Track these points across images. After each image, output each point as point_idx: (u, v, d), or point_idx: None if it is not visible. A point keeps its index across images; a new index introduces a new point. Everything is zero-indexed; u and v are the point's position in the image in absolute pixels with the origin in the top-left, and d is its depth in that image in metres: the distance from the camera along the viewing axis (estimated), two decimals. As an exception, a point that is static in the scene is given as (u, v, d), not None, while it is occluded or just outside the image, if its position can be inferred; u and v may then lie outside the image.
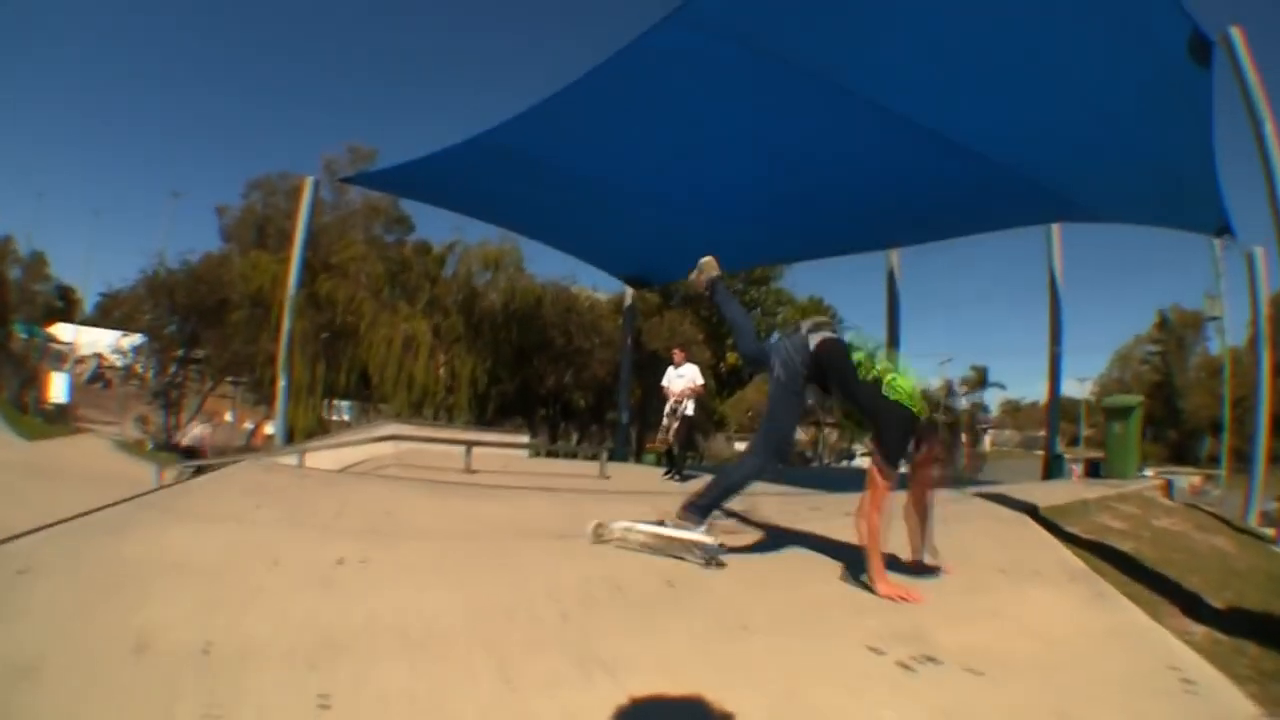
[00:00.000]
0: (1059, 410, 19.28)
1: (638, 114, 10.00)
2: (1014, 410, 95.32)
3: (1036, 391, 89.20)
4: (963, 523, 5.83)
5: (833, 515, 6.35)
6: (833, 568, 4.52)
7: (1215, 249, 20.92)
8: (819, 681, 2.85)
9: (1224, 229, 10.19)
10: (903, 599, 3.82)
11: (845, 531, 5.23)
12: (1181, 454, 57.69)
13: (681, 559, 4.40)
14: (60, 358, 49.55)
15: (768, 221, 13.09)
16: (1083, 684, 2.97)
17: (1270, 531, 8.19)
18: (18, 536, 4.49)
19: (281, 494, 6.65)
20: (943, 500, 6.95)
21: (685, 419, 12.29)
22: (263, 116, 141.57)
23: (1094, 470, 15.24)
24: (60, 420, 34.53)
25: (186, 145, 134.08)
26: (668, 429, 12.47)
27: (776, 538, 5.48)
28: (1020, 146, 9.44)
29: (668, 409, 12.45)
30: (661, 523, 4.79)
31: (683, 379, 12.37)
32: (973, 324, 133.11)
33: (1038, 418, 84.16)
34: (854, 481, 13.42)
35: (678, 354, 13.04)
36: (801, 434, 49.05)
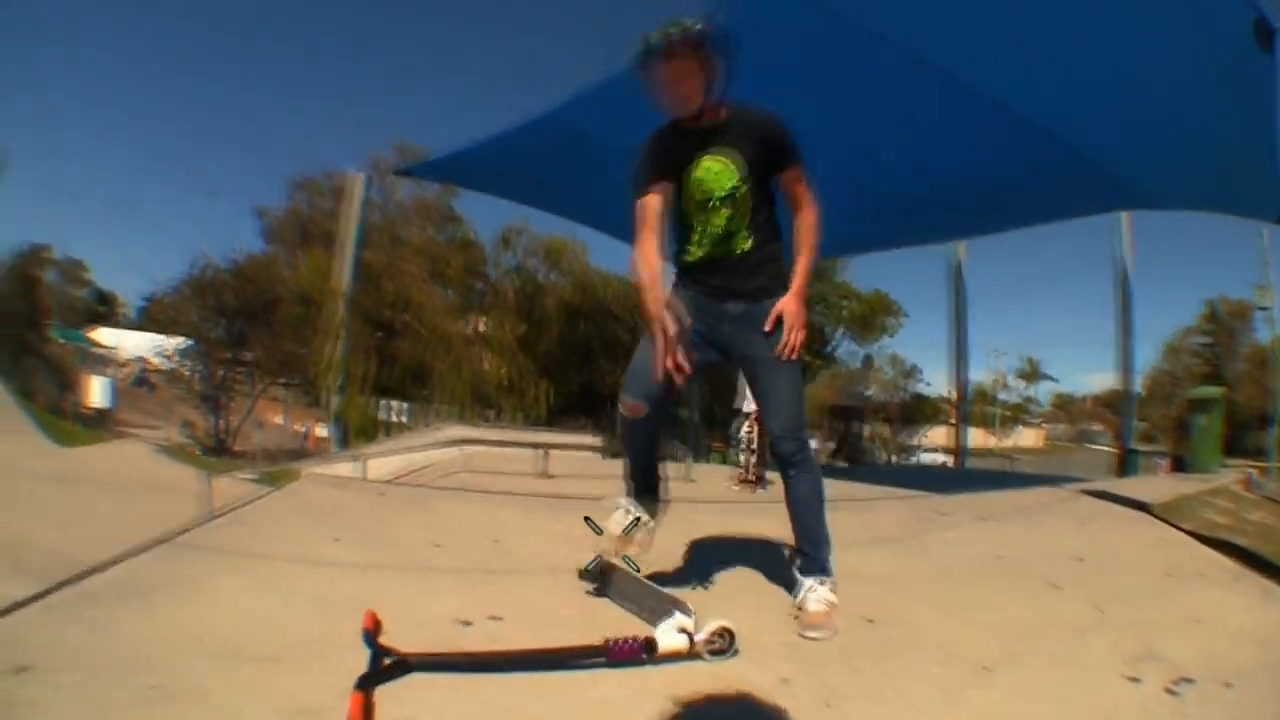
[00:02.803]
0: (1132, 404, 19.02)
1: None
2: (1066, 403, 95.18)
3: (1087, 385, 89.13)
4: (1092, 522, 5.61)
5: (965, 520, 6.02)
6: (1013, 583, 4.13)
7: (1263, 239, 20.72)
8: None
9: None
10: None
11: (990, 538, 5.21)
12: (1231, 446, 57.28)
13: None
14: (102, 362, 50.03)
15: (834, 210, 12.62)
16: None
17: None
18: (20, 606, 3.43)
19: (359, 519, 5.96)
20: (1052, 498, 6.59)
21: (755, 417, 11.78)
22: (299, 118, 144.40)
23: (1179, 465, 15.03)
24: (101, 426, 34.54)
25: (218, 148, 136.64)
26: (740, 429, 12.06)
27: (928, 552, 5.04)
28: (1087, 128, 9.15)
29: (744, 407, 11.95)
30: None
31: None
32: (1025, 315, 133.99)
33: (1089, 411, 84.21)
34: (943, 480, 13.05)
35: None
36: (867, 430, 49.03)
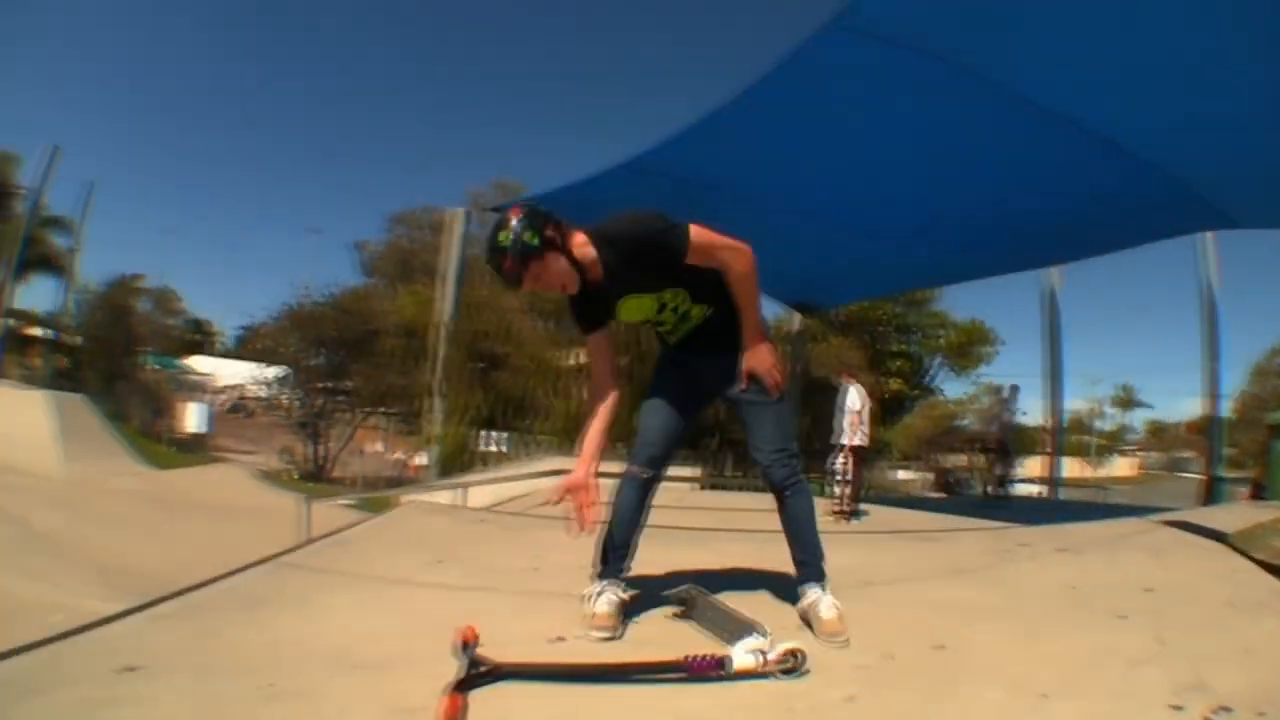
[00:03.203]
0: (1220, 430, 18.65)
1: (796, 130, 9.58)
2: (1159, 430, 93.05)
3: (1181, 411, 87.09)
4: (1166, 553, 5.58)
5: (1044, 551, 6.03)
6: (1081, 613, 4.19)
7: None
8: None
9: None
10: None
11: (1066, 569, 5.29)
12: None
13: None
14: (197, 389, 50.92)
15: (928, 240, 12.66)
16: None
17: None
18: (124, 615, 3.81)
19: (459, 544, 6.21)
20: (1132, 529, 6.59)
21: (849, 449, 11.88)
22: (399, 152, 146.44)
23: (1259, 492, 14.76)
24: (196, 450, 35.24)
25: (316, 184, 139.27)
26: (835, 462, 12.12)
27: (1004, 582, 5.09)
28: (1178, 149, 9.01)
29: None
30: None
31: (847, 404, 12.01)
32: (1121, 342, 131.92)
33: (1182, 439, 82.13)
34: (1032, 511, 12.96)
35: (844, 375, 12.79)
36: (963, 459, 48.31)
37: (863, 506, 11.77)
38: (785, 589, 4.28)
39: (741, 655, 3.07)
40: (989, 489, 18.00)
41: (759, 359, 3.82)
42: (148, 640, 3.43)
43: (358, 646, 3.42)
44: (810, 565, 3.95)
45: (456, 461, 20.59)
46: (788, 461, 3.94)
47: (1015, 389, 18.45)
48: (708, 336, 3.98)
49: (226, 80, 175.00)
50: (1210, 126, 8.38)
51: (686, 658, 3.07)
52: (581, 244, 3.65)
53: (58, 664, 3.10)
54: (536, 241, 3.47)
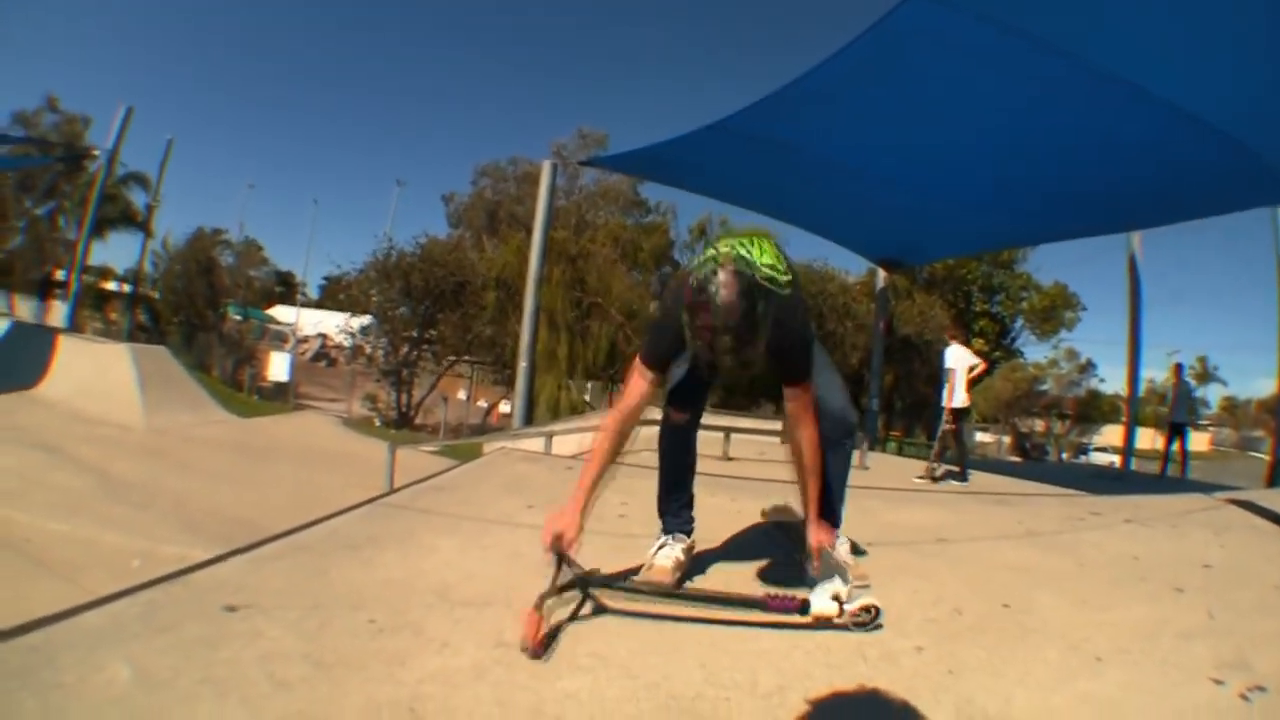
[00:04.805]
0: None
1: (882, 95, 9.68)
2: (1231, 408, 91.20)
3: (1254, 389, 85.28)
4: (1228, 531, 5.64)
5: (1113, 522, 6.14)
6: (1141, 584, 4.30)
7: None
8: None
9: None
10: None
11: (1132, 540, 5.38)
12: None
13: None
14: (281, 338, 51.58)
15: (1008, 203, 12.62)
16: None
17: None
18: (230, 555, 3.93)
19: (548, 489, 6.34)
20: (1198, 505, 6.64)
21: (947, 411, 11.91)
22: (478, 107, 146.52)
23: None
24: (279, 397, 35.86)
25: (405, 137, 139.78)
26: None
27: (1072, 548, 5.20)
28: (1254, 122, 8.86)
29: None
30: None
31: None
32: (1199, 316, 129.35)
33: (1254, 417, 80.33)
34: (1104, 480, 12.92)
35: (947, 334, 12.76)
36: (1040, 425, 48.01)
37: (942, 468, 11.66)
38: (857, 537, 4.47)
39: (820, 600, 3.24)
40: (1063, 454, 17.78)
41: (825, 537, 3.62)
42: (252, 580, 3.60)
43: (458, 585, 3.67)
44: (828, 514, 3.80)
45: (546, 410, 20.80)
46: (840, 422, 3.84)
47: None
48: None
49: (309, 33, 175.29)
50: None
51: (767, 595, 3.30)
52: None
53: (161, 606, 3.21)
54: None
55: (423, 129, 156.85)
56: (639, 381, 3.68)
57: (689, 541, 4.03)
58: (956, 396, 11.79)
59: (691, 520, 4.10)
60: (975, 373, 12.16)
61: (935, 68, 8.89)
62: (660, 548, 3.92)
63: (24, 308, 33.80)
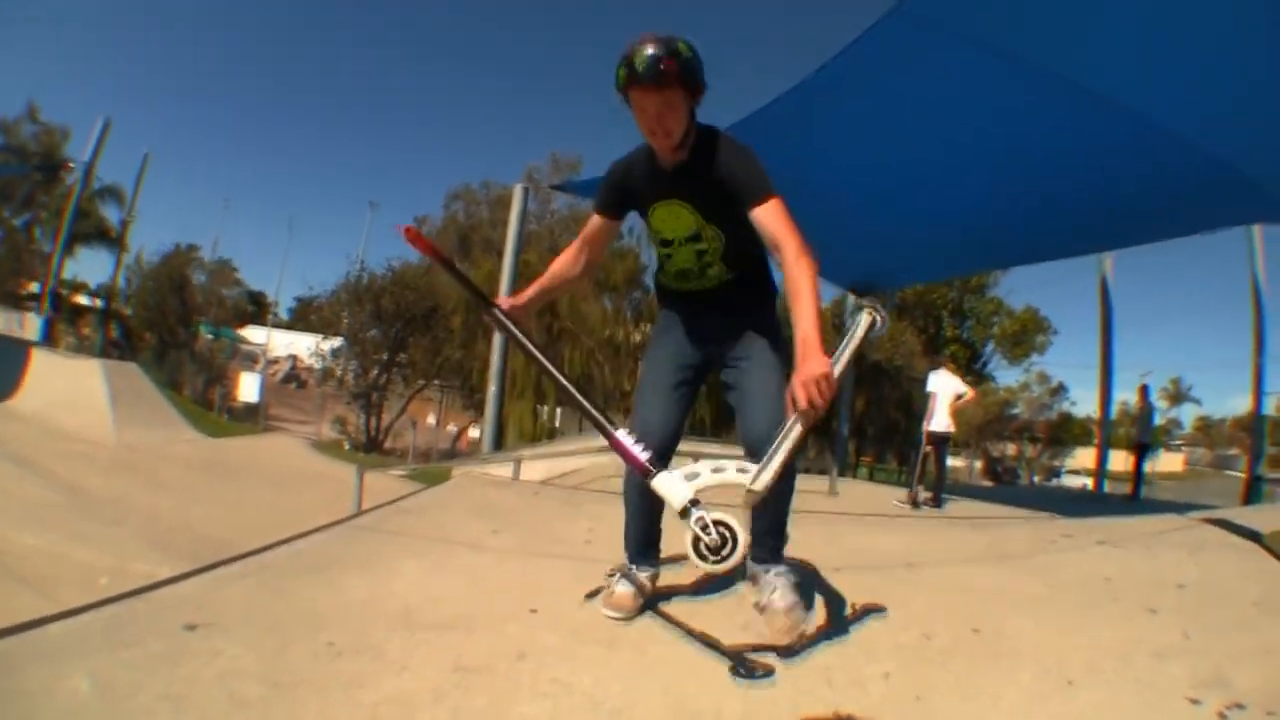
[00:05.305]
0: (1263, 428, 18.51)
1: (851, 117, 9.66)
2: (1206, 427, 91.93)
3: (1229, 407, 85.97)
4: (1202, 551, 5.61)
5: (1086, 544, 6.06)
6: (1115, 606, 4.27)
7: None
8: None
9: None
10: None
11: (1105, 562, 5.28)
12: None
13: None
14: (251, 358, 51.60)
15: (982, 224, 12.65)
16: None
17: None
18: (191, 574, 3.92)
19: (516, 515, 6.37)
20: (1171, 525, 6.67)
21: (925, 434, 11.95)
22: (453, 130, 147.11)
23: None
24: (249, 419, 35.82)
25: (378, 158, 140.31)
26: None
27: (1044, 571, 5.20)
28: (1232, 138, 8.86)
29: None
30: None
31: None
32: (1171, 336, 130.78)
33: (1229, 436, 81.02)
34: (1076, 503, 12.98)
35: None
36: (1011, 448, 48.29)
37: (923, 493, 11.69)
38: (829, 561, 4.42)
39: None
40: (1034, 478, 17.92)
41: (814, 369, 2.83)
42: (213, 599, 3.60)
43: (421, 608, 3.63)
44: (771, 544, 3.59)
45: (514, 436, 20.80)
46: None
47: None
48: (711, 300, 3.64)
49: (285, 54, 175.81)
50: (1267, 115, 8.30)
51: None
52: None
53: (125, 622, 3.22)
54: (701, 73, 3.21)
55: (398, 151, 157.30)
56: (590, 225, 3.79)
57: (653, 571, 3.89)
58: (936, 420, 11.82)
59: (657, 557, 3.94)
60: (963, 401, 12.19)
61: (906, 88, 8.87)
62: (622, 576, 3.79)
63: (-1, 319, 33.59)
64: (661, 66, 3.07)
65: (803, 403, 2.82)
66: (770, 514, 3.51)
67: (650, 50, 3.08)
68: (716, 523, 3.01)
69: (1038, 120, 9.12)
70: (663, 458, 3.44)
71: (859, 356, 3.43)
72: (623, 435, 3.29)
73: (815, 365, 2.83)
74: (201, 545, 8.22)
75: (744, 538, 3.02)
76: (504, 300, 3.75)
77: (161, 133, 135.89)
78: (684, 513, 3.07)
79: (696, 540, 3.02)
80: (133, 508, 10.65)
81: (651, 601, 3.80)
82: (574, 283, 3.97)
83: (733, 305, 3.62)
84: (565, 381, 3.60)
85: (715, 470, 3.12)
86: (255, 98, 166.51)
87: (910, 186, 11.56)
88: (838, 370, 2.92)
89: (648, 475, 3.22)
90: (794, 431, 2.91)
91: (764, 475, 2.91)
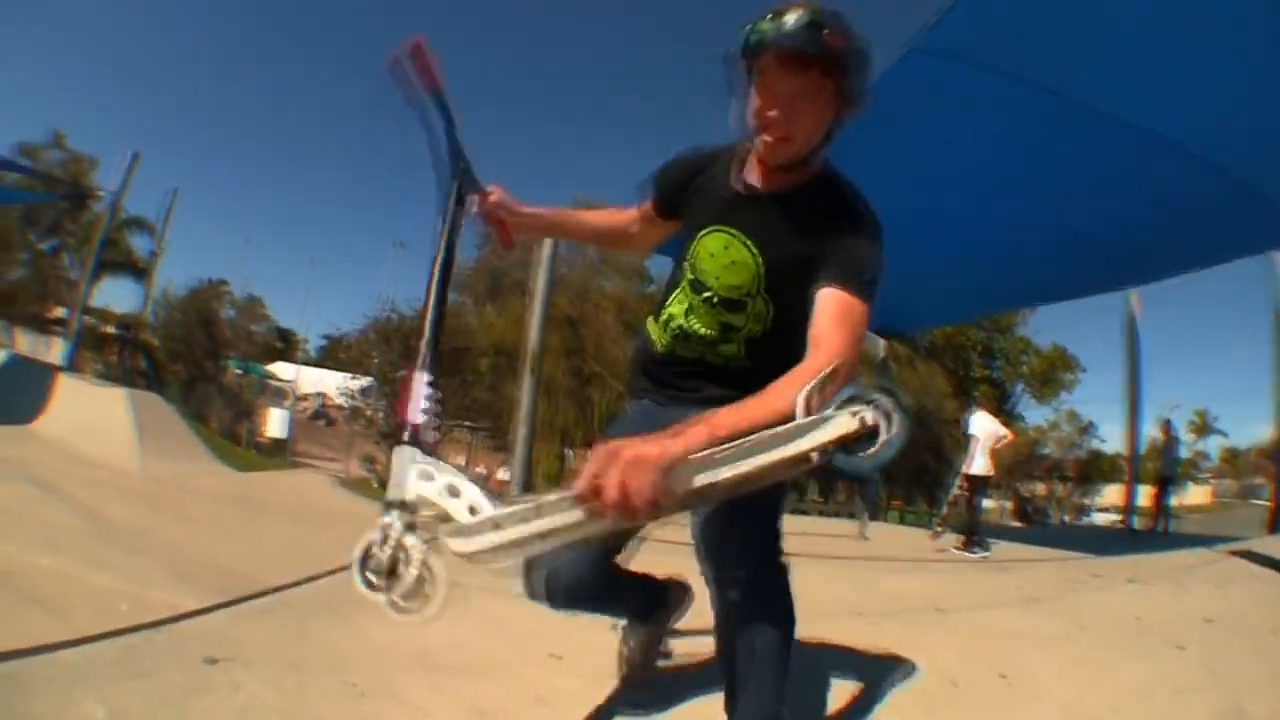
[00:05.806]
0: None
1: (870, 154, 9.59)
2: (1232, 458, 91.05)
3: (1253, 434, 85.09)
4: (1230, 584, 5.65)
5: (1114, 582, 6.13)
6: (1141, 644, 4.30)
7: None
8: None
9: None
10: None
11: (1134, 600, 5.34)
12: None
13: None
14: (279, 395, 51.63)
15: (1009, 262, 12.60)
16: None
17: None
18: (215, 608, 3.92)
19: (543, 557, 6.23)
20: (1200, 560, 6.64)
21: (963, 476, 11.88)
22: (484, 171, 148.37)
23: None
24: (277, 454, 35.79)
25: (406, 197, 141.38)
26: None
27: (1072, 612, 5.18)
28: (1257, 163, 8.67)
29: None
30: None
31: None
32: (1194, 368, 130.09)
33: (1254, 464, 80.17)
34: (1105, 541, 12.84)
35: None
36: (1041, 488, 48.11)
37: (945, 536, 11.66)
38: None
39: None
40: (1065, 517, 17.86)
41: (642, 451, 1.60)
42: (235, 634, 3.60)
43: (441, 651, 3.63)
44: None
45: (545, 477, 20.78)
46: (760, 580, 2.49)
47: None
48: (704, 383, 2.58)
49: (316, 93, 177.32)
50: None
51: None
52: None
53: (143, 651, 3.22)
54: (866, 77, 2.34)
55: (427, 189, 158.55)
56: (631, 209, 2.92)
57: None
58: (976, 463, 11.75)
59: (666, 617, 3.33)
60: (1003, 444, 12.11)
61: (927, 122, 8.83)
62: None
63: (24, 341, 33.65)
64: (825, 34, 2.09)
65: (583, 483, 1.62)
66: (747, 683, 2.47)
67: (812, 14, 2.11)
68: (410, 547, 2.07)
69: (1060, 150, 9.07)
70: (570, 594, 2.79)
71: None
72: (420, 379, 2.30)
73: (649, 448, 1.62)
74: (225, 579, 8.19)
75: (440, 591, 2.05)
76: (495, 189, 2.83)
77: (192, 170, 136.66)
78: (386, 506, 2.11)
79: (368, 551, 2.11)
80: (155, 537, 10.58)
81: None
82: (590, 235, 3.26)
83: (720, 400, 1.96)
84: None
85: (451, 490, 2.02)
86: (286, 140, 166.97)
87: (931, 225, 11.51)
88: (702, 480, 1.65)
89: (399, 437, 2.17)
90: (559, 513, 1.70)
91: (478, 538, 1.87)
